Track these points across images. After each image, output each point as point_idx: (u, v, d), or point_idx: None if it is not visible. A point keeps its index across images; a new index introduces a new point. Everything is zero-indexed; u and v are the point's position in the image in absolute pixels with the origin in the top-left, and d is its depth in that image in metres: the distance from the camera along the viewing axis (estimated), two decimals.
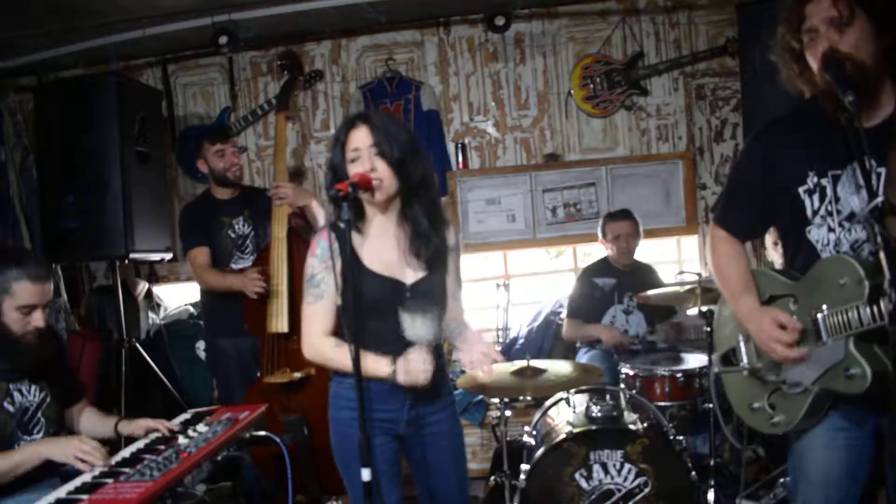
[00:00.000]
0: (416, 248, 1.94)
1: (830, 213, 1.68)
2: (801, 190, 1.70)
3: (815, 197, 1.69)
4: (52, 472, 2.08)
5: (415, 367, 1.83)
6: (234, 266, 3.45)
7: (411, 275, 1.96)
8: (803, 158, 1.70)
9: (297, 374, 3.00)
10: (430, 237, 1.95)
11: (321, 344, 1.95)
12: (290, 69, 3.61)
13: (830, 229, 1.68)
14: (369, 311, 1.90)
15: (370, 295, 1.90)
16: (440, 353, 2.03)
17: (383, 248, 1.96)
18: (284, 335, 3.11)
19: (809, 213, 1.70)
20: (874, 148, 1.58)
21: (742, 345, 1.85)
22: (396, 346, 1.90)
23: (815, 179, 1.68)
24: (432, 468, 2.04)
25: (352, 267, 1.85)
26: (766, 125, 1.83)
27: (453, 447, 2.09)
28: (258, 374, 3.21)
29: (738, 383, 1.89)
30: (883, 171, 1.60)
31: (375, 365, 1.86)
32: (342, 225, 1.82)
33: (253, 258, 3.43)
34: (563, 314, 3.95)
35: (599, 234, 3.83)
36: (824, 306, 1.62)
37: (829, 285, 1.61)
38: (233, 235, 3.47)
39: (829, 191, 1.67)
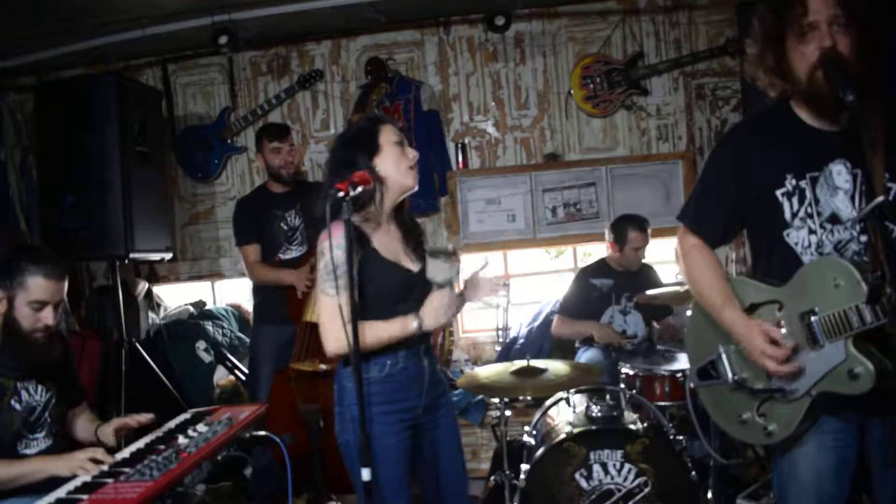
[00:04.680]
0: (409, 240, 2.10)
1: (811, 216, 1.66)
2: (778, 193, 1.68)
3: (794, 199, 1.67)
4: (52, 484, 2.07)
5: (438, 308, 1.93)
6: (282, 256, 3.58)
7: (413, 264, 2.07)
8: (779, 161, 1.68)
9: (324, 366, 3.05)
10: (416, 231, 2.15)
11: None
12: (374, 75, 3.71)
13: (811, 231, 1.67)
14: (390, 297, 1.99)
15: (389, 283, 1.99)
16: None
17: (389, 240, 2.06)
18: (318, 326, 3.13)
19: (788, 215, 1.68)
20: (845, 150, 1.60)
21: (724, 356, 1.79)
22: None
23: (794, 182, 1.67)
24: (440, 448, 2.12)
25: (372, 258, 1.96)
26: (735, 129, 1.83)
27: (455, 427, 2.21)
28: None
29: (722, 397, 1.82)
30: (859, 172, 1.61)
31: (401, 326, 1.94)
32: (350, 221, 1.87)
33: (302, 249, 3.55)
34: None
35: (610, 234, 3.76)
36: (817, 309, 1.60)
37: (820, 288, 1.59)
38: (285, 227, 3.59)
39: (808, 193, 1.66)
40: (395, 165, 2.01)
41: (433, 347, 2.25)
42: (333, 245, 1.90)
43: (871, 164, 1.51)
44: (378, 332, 1.93)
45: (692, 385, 1.92)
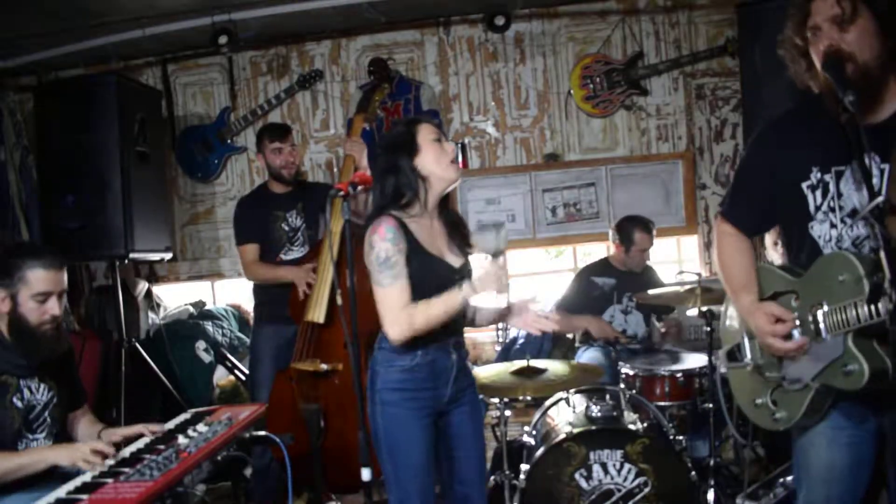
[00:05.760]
0: (454, 236, 2.20)
1: (833, 209, 1.67)
2: (804, 185, 1.70)
3: (818, 192, 1.69)
4: (53, 476, 2.07)
5: (488, 275, 2.00)
6: (283, 257, 3.54)
7: (456, 259, 2.17)
8: (807, 154, 1.70)
9: (324, 366, 3.05)
10: (460, 228, 2.23)
11: (409, 314, 2.01)
12: (377, 75, 3.71)
13: (832, 225, 1.68)
14: (431, 290, 2.05)
15: (431, 276, 2.06)
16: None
17: (434, 235, 2.15)
18: (319, 325, 3.15)
19: (812, 208, 1.70)
20: (878, 145, 1.57)
21: (746, 341, 1.86)
22: (452, 323, 2.09)
23: (819, 175, 1.68)
24: (460, 435, 2.21)
25: (415, 251, 2.05)
26: (772, 121, 1.83)
27: (477, 418, 2.30)
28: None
29: (743, 379, 1.89)
30: (887, 167, 1.59)
31: (449, 299, 2.01)
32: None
33: (304, 250, 3.53)
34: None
35: (615, 236, 3.75)
36: (824, 303, 1.62)
37: (829, 282, 1.61)
38: (286, 228, 3.56)
39: (831, 187, 1.67)
40: (435, 162, 2.10)
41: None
42: (381, 238, 2.00)
43: (865, 162, 1.51)
44: (430, 309, 2.00)
45: (723, 368, 1.98)
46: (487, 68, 4.52)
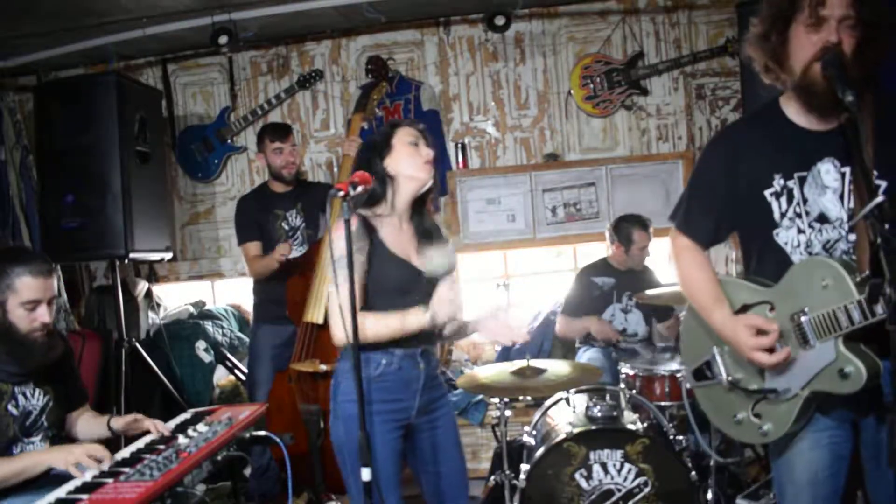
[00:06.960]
0: (424, 242, 2.14)
1: (799, 215, 1.67)
2: (766, 193, 1.69)
3: (783, 199, 1.68)
4: (51, 479, 2.07)
5: (445, 298, 1.96)
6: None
7: (422, 263, 2.11)
8: (767, 161, 1.69)
9: (323, 367, 3.05)
10: (433, 236, 2.17)
11: (359, 320, 1.96)
12: (375, 74, 3.71)
13: (800, 231, 1.68)
14: (394, 291, 2.04)
15: (394, 276, 2.04)
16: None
17: (400, 237, 2.10)
18: (318, 326, 3.16)
19: (777, 215, 1.69)
20: (836, 150, 1.61)
21: (717, 357, 1.80)
22: (421, 332, 2.02)
23: (782, 182, 1.68)
24: (440, 449, 2.14)
25: (378, 251, 2.02)
26: (725, 129, 1.86)
27: (454, 429, 2.23)
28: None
29: (717, 397, 1.83)
30: (847, 170, 1.62)
31: (414, 318, 1.97)
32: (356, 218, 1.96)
33: (303, 249, 3.54)
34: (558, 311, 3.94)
35: (613, 236, 3.76)
36: (806, 309, 1.61)
37: (809, 288, 1.60)
38: (286, 227, 3.58)
39: (796, 192, 1.67)
40: (406, 163, 2.08)
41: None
42: (337, 236, 1.95)
43: (866, 162, 1.52)
44: (381, 323, 1.96)
45: (688, 386, 1.92)
46: (487, 68, 4.52)
